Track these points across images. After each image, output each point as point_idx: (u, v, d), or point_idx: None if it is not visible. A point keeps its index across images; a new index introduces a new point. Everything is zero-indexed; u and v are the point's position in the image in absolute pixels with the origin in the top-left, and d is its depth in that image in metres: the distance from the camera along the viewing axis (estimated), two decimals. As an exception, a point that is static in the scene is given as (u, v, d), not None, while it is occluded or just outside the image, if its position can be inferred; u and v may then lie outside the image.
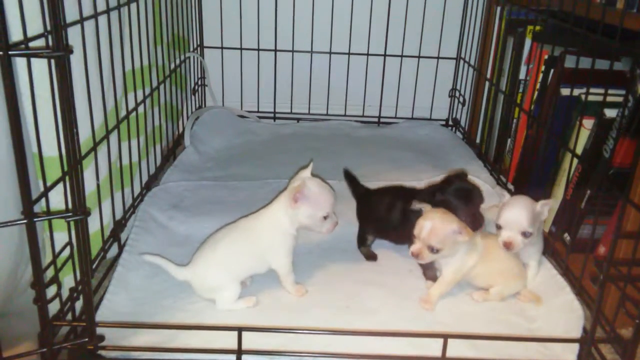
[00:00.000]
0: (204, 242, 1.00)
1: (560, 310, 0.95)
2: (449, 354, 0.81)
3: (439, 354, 0.82)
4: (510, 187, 1.41)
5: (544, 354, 0.88)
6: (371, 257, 1.12)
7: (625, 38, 0.90)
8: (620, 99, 1.04)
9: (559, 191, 1.19)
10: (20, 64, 0.76)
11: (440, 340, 0.81)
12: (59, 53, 0.67)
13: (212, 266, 0.95)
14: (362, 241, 1.14)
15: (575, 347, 0.87)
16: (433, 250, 0.94)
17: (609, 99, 1.00)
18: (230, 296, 0.95)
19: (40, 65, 0.76)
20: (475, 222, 1.00)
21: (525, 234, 0.97)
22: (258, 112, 1.86)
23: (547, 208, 1.00)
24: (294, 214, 0.95)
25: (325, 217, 0.97)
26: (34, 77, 0.74)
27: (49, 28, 0.71)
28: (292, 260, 0.99)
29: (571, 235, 1.15)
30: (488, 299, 1.00)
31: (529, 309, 0.99)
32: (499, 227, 1.00)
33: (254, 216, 1.00)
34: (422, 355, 0.84)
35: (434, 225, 0.94)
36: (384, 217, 1.10)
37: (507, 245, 0.98)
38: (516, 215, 0.98)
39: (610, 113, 1.08)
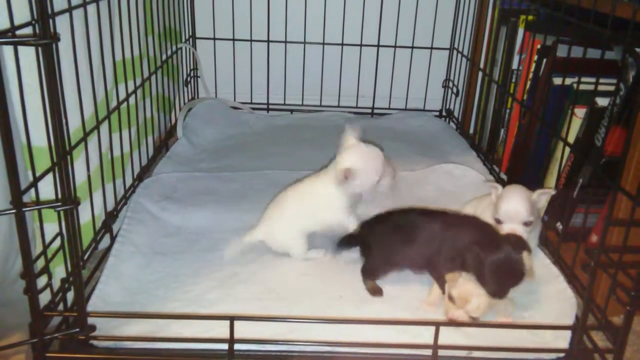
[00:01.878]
0: (271, 204, 1.09)
1: (553, 298, 0.96)
2: (440, 341, 0.82)
3: (431, 342, 0.82)
4: (504, 177, 1.42)
5: (536, 342, 0.88)
6: (377, 292, 0.99)
7: (616, 26, 0.90)
8: (612, 88, 1.04)
9: (552, 180, 1.20)
10: (7, 52, 0.76)
11: (432, 328, 0.82)
12: (45, 41, 0.66)
13: (281, 224, 1.05)
14: (370, 275, 1.01)
15: (567, 334, 0.87)
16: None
17: (601, 87, 1.00)
18: (300, 249, 1.06)
19: (28, 54, 0.75)
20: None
21: (526, 224, 0.97)
22: (251, 103, 1.85)
23: (545, 197, 1.00)
24: (345, 188, 1.01)
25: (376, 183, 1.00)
26: (22, 66, 0.73)
27: (36, 16, 0.70)
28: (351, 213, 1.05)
29: (563, 224, 1.15)
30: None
31: (520, 297, 1.00)
32: (498, 222, 0.99)
33: (310, 183, 1.07)
34: (415, 343, 0.84)
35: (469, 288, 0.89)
36: (407, 251, 0.98)
37: None
38: (515, 206, 0.97)
39: (602, 102, 1.08)
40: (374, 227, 1.02)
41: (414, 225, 0.98)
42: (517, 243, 0.90)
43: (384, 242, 1.00)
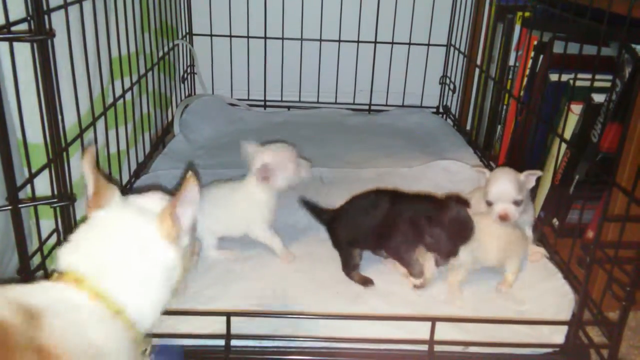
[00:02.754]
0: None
1: (550, 293, 0.96)
2: (437, 337, 0.82)
3: (427, 337, 0.82)
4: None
5: (532, 337, 0.88)
6: (367, 281, 1.00)
7: (613, 23, 0.90)
8: (608, 84, 1.04)
9: (548, 176, 1.20)
10: (3, 49, 0.75)
11: (429, 324, 0.82)
12: (40, 37, 0.66)
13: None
14: (349, 265, 1.02)
15: (564, 329, 0.87)
16: None
17: (597, 84, 1.01)
18: (207, 245, 1.05)
19: (23, 51, 0.75)
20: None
21: (517, 203, 0.99)
22: (248, 100, 1.85)
23: (533, 178, 1.02)
24: (269, 187, 1.04)
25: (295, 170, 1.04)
26: (17, 62, 0.73)
27: (31, 12, 0.70)
28: (270, 227, 1.07)
29: (560, 220, 1.16)
30: (510, 283, 1.00)
31: (517, 291, 1.00)
32: (489, 204, 1.01)
33: (232, 187, 1.07)
34: (411, 339, 0.84)
35: None
36: (363, 225, 1.01)
37: (504, 217, 0.98)
38: (504, 186, 0.99)
39: (599, 98, 1.08)
40: (335, 212, 1.07)
41: (367, 203, 1.02)
42: (460, 201, 0.96)
43: (342, 223, 1.03)
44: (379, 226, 0.99)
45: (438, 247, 0.94)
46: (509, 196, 0.98)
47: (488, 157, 1.48)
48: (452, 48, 1.81)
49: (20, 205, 0.69)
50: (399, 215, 0.97)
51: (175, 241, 0.61)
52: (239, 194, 1.05)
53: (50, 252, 0.82)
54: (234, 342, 0.82)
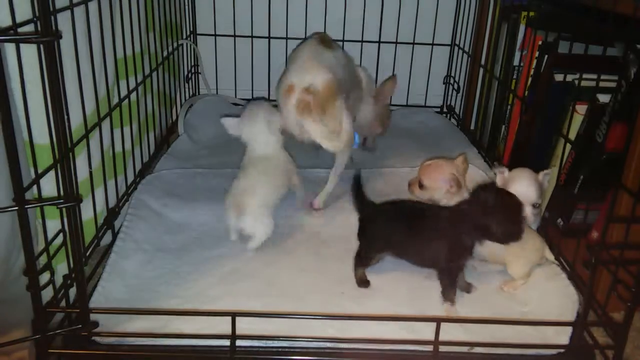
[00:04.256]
0: (235, 191, 1.10)
1: (554, 294, 0.96)
2: (442, 337, 0.82)
3: (431, 337, 0.82)
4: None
5: (537, 337, 0.88)
6: (363, 282, 1.00)
7: (618, 23, 0.90)
8: (613, 84, 1.04)
9: (553, 177, 1.20)
10: (9, 50, 0.76)
11: (433, 325, 0.82)
12: (47, 38, 0.66)
13: (259, 208, 1.07)
14: (360, 262, 1.01)
15: (568, 330, 0.87)
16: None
17: (602, 84, 1.00)
18: (269, 230, 1.08)
19: (30, 52, 0.76)
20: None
21: (534, 206, 0.98)
22: (252, 99, 1.85)
23: (548, 178, 1.01)
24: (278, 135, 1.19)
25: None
26: (24, 63, 0.73)
27: (38, 13, 0.70)
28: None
29: (564, 221, 1.15)
30: (515, 286, 0.99)
31: (521, 292, 1.00)
32: None
33: (260, 159, 1.16)
34: (416, 339, 0.84)
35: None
36: (404, 235, 0.97)
37: None
38: (525, 188, 0.99)
39: (604, 98, 1.08)
40: (376, 212, 1.02)
41: (417, 217, 0.96)
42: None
43: (376, 228, 1.00)
44: (424, 244, 0.96)
45: (502, 233, 0.89)
46: (530, 199, 0.98)
47: (492, 156, 1.47)
48: (456, 48, 1.81)
49: (26, 206, 0.69)
50: (448, 229, 0.93)
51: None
52: (273, 160, 1.16)
53: (56, 252, 0.82)
54: (239, 342, 0.82)
